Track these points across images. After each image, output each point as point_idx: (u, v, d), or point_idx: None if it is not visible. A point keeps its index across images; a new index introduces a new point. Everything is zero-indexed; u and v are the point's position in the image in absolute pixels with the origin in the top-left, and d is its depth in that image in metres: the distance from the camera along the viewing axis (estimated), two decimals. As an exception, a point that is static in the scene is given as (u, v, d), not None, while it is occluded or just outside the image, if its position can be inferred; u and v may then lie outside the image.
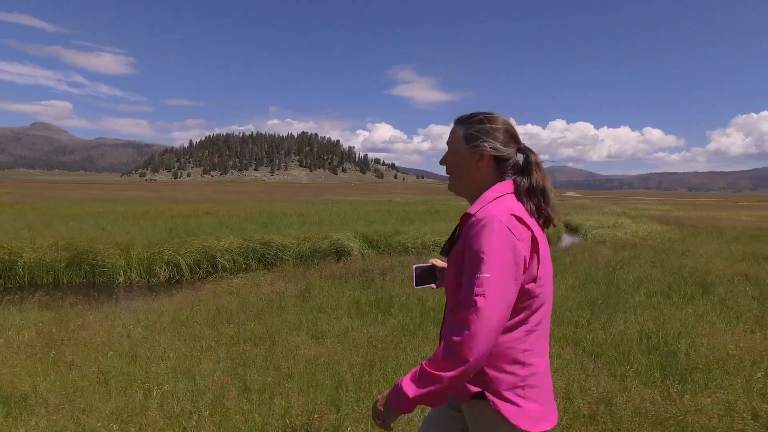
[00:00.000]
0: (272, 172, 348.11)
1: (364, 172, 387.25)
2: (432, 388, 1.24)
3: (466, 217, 1.41)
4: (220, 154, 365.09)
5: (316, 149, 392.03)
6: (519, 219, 1.33)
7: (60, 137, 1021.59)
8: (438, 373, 1.24)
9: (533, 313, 1.38)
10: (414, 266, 1.73)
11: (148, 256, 10.62)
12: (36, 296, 7.38)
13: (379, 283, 7.55)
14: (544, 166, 1.51)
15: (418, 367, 1.28)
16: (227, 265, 11.05)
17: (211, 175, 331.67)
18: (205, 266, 10.92)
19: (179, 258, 10.59)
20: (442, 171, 1.65)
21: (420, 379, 1.26)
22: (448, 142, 1.55)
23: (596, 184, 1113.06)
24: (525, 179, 1.45)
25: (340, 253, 12.34)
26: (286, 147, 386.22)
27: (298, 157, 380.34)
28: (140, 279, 10.34)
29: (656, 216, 28.59)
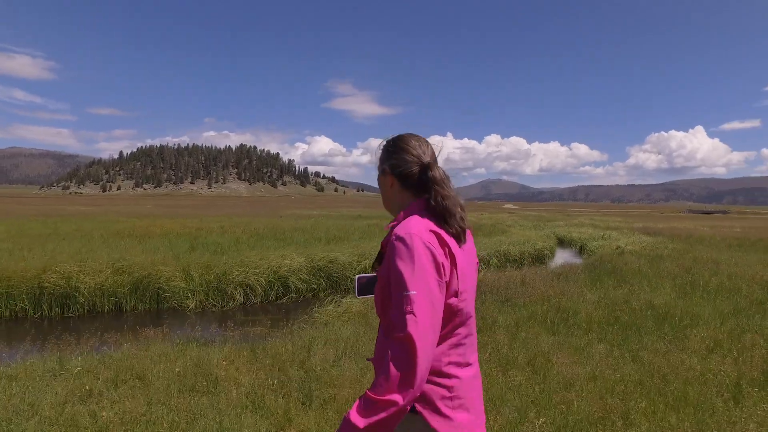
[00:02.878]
0: (209, 185, 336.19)
1: (304, 186, 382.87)
2: (383, 414, 1.21)
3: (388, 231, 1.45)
4: (153, 166, 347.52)
5: (255, 162, 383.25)
6: (437, 234, 1.36)
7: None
8: (386, 398, 1.21)
9: (457, 327, 1.40)
10: (357, 276, 1.66)
11: (215, 278, 9.94)
12: (126, 327, 6.72)
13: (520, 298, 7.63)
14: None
15: (362, 396, 1.25)
16: (299, 286, 10.55)
17: (144, 188, 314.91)
18: (276, 287, 10.37)
19: (253, 280, 9.99)
20: (382, 184, 1.72)
21: (367, 408, 1.22)
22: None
23: (529, 196, 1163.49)
24: (429, 196, 1.46)
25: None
26: (224, 159, 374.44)
27: (236, 170, 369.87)
28: (214, 304, 9.65)
29: (625, 227, 30.32)
